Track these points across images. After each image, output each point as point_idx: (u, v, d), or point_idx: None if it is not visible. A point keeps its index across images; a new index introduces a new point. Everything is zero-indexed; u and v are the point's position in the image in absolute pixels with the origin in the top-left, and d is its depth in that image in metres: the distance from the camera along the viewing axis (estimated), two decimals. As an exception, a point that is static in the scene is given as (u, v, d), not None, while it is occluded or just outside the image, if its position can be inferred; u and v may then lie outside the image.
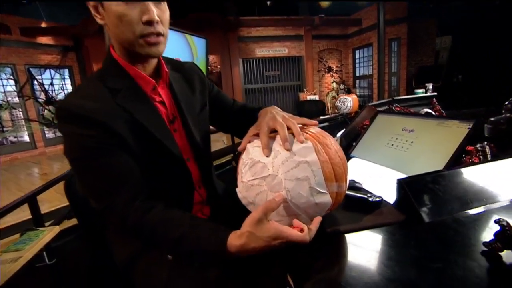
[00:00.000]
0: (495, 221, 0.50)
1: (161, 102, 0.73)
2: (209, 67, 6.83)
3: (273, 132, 0.62)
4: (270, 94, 7.71)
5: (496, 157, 0.82)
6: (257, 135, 0.64)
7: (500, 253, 0.49)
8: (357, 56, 7.59)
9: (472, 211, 0.64)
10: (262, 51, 7.44)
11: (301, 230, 0.52)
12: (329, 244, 0.58)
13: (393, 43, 6.26)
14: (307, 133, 0.62)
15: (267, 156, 0.57)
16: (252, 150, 0.61)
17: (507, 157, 0.77)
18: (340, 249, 0.58)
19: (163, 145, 0.68)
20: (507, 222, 0.49)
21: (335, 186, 0.57)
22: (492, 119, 0.42)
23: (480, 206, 0.65)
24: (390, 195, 0.73)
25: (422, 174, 0.70)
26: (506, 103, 0.40)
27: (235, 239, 0.53)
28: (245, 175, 0.60)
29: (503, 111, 0.40)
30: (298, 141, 0.57)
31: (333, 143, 0.62)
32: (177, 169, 0.73)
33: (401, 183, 0.66)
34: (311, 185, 0.54)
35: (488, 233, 0.55)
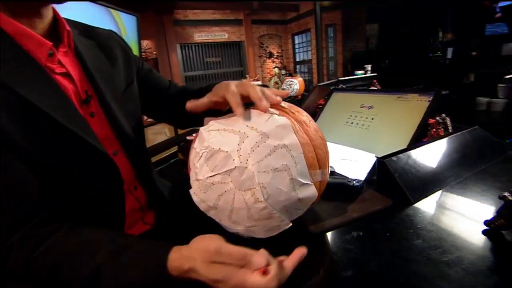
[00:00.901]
0: (499, 197, 0.44)
1: (65, 75, 0.51)
2: (143, 53, 6.21)
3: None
4: (212, 81, 7.38)
5: (456, 128, 0.81)
6: (214, 116, 0.48)
7: (503, 232, 0.44)
8: (296, 42, 7.71)
9: (467, 188, 0.59)
10: (201, 36, 7.03)
11: (265, 272, 0.35)
12: (313, 244, 0.47)
13: (329, 29, 6.51)
14: (278, 108, 0.48)
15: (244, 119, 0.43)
16: (208, 136, 0.45)
17: (471, 127, 0.75)
18: (326, 248, 0.47)
19: (74, 136, 0.47)
20: (512, 196, 0.43)
21: (319, 174, 0.45)
22: (508, 77, 0.33)
23: (468, 175, 0.61)
24: (361, 177, 0.65)
25: (401, 150, 0.63)
26: None
27: (176, 260, 0.38)
28: (200, 170, 0.44)
29: None
30: (272, 102, 0.44)
31: (310, 120, 0.49)
32: (100, 167, 0.53)
33: (382, 163, 0.58)
34: (292, 176, 0.41)
35: (489, 210, 0.50)
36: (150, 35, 6.28)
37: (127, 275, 0.39)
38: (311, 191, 0.43)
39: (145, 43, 6.38)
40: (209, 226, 0.49)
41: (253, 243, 0.45)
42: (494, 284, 0.35)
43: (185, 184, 0.49)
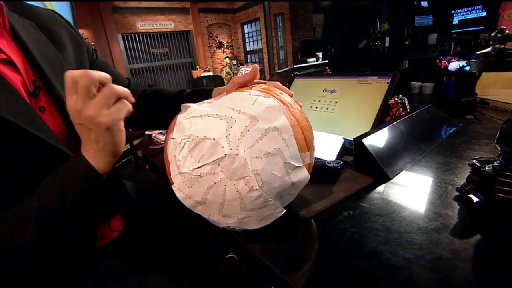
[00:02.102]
0: (469, 164, 0.47)
1: (6, 62, 0.42)
2: (78, 44, 5.58)
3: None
4: (159, 74, 6.97)
5: (413, 107, 0.88)
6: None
7: (471, 196, 0.48)
8: (246, 31, 7.65)
9: (433, 160, 0.63)
10: (144, 25, 6.53)
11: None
12: (306, 229, 0.46)
13: (277, 18, 6.59)
14: (259, 90, 0.45)
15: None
16: (190, 124, 0.40)
17: (426, 105, 0.82)
18: (320, 231, 0.46)
19: (26, 135, 0.39)
20: (479, 161, 0.46)
21: (308, 157, 0.44)
22: (480, 52, 0.36)
23: (430, 148, 0.66)
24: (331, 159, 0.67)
25: (374, 130, 0.65)
26: (494, 33, 0.33)
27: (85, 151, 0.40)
28: (184, 162, 0.39)
29: (491, 43, 0.34)
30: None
31: (295, 101, 0.47)
32: (58, 164, 0.45)
33: (360, 142, 0.59)
34: (285, 159, 0.39)
35: (456, 177, 0.54)
36: (86, 23, 5.67)
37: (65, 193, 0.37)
38: (304, 174, 0.42)
39: (81, 32, 5.73)
40: (181, 224, 0.45)
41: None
42: (478, 242, 0.37)
43: (147, 183, 0.45)
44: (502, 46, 0.34)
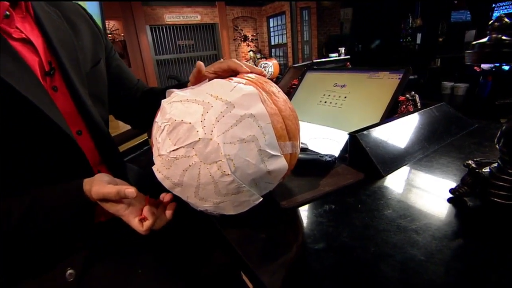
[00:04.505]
0: (464, 165, 0.44)
1: (25, 42, 0.45)
2: (109, 35, 5.82)
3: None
4: (184, 65, 7.11)
5: (425, 105, 0.83)
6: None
7: (465, 198, 0.45)
8: (271, 25, 7.59)
9: (434, 161, 0.60)
10: (172, 17, 6.68)
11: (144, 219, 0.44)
12: (285, 220, 0.45)
13: (304, 12, 6.46)
14: (244, 78, 0.45)
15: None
16: (170, 108, 0.41)
17: (439, 103, 0.77)
18: (298, 222, 0.46)
19: (36, 112, 0.42)
20: (476, 162, 0.43)
21: (289, 146, 0.43)
22: (475, 42, 0.33)
23: (435, 148, 0.63)
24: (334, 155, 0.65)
25: (372, 125, 0.63)
26: (491, 22, 0.31)
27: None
28: (163, 145, 0.40)
29: (488, 32, 0.31)
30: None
31: (279, 90, 0.47)
32: (63, 148, 0.48)
33: (354, 137, 0.57)
34: (261, 147, 0.39)
35: (454, 179, 0.51)
36: (116, 15, 5.89)
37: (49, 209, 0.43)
38: (281, 163, 0.41)
39: (111, 24, 5.97)
40: (179, 207, 0.46)
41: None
42: (458, 247, 0.35)
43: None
44: (500, 36, 0.31)
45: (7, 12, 0.43)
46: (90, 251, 0.52)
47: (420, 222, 0.40)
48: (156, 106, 0.49)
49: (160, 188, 0.42)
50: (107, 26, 5.46)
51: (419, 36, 5.05)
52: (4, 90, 0.39)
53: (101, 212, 0.58)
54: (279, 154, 0.41)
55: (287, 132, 0.43)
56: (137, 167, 0.82)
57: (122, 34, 6.20)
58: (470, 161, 0.44)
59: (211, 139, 0.37)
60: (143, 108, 0.70)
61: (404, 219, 0.41)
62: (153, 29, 6.59)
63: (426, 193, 0.48)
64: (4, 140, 0.41)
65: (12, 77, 0.40)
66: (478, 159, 0.45)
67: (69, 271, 0.48)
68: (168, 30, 6.78)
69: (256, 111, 0.39)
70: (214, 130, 0.37)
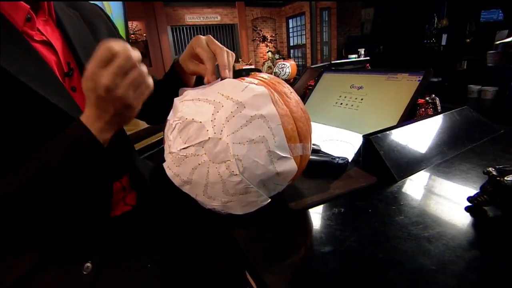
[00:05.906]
0: (484, 172, 0.42)
1: (45, 43, 0.47)
2: (132, 35, 6.00)
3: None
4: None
5: (446, 108, 0.80)
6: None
7: (485, 208, 0.43)
8: (290, 25, 7.55)
9: (453, 167, 0.57)
10: (192, 18, 6.81)
11: None
12: (292, 221, 0.45)
13: (324, 13, 6.38)
14: (257, 78, 0.45)
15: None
16: (182, 106, 0.42)
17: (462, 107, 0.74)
18: (305, 224, 0.45)
19: (58, 112, 0.44)
20: (498, 170, 0.41)
21: (299, 148, 0.43)
22: (498, 42, 0.31)
23: (454, 154, 0.60)
24: (348, 158, 0.63)
25: (388, 128, 0.61)
26: None
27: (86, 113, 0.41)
28: (174, 142, 0.41)
29: None
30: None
31: (292, 91, 0.46)
32: None
33: (368, 140, 0.56)
34: (270, 148, 0.39)
35: (473, 187, 0.49)
36: (139, 15, 6.07)
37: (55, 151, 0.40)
38: (290, 165, 0.41)
39: (134, 24, 6.16)
40: (190, 205, 0.47)
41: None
42: (473, 258, 0.33)
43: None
44: (525, 37, 0.29)
45: (29, 15, 0.45)
46: (107, 245, 0.54)
47: (433, 230, 0.39)
48: (160, 97, 0.50)
49: (173, 184, 0.43)
50: (129, 26, 5.63)
51: (444, 37, 4.84)
52: (27, 93, 0.41)
53: (116, 207, 0.61)
54: (289, 155, 0.41)
55: (298, 133, 0.43)
56: (152, 163, 0.85)
57: (144, 34, 6.38)
58: (490, 168, 0.42)
59: (220, 138, 0.38)
60: (151, 101, 0.70)
61: (416, 226, 0.40)
62: (174, 30, 6.74)
63: (442, 200, 0.46)
64: (27, 140, 0.43)
65: (34, 81, 0.41)
66: (500, 166, 0.43)
67: (87, 265, 0.50)
68: (188, 30, 6.90)
69: (267, 112, 0.39)
70: (224, 130, 0.38)
